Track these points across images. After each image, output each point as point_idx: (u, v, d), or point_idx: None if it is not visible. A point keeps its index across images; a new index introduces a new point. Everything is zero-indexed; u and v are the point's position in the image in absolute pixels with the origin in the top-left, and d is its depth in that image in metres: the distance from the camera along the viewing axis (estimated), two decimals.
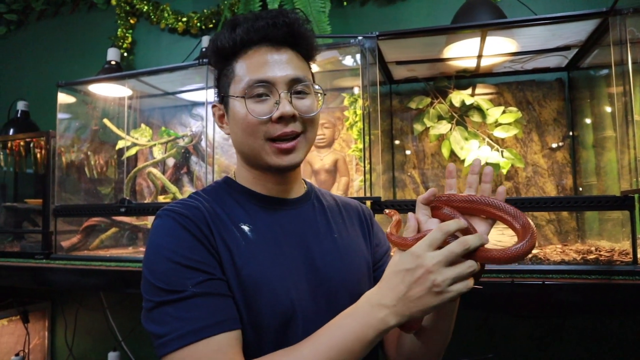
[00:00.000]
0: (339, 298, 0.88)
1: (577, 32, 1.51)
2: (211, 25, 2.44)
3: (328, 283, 0.88)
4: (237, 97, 0.86)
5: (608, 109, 1.59)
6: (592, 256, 1.38)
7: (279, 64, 0.85)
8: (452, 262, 0.69)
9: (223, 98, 0.91)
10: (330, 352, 0.71)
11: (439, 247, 0.70)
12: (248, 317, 0.80)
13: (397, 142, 2.00)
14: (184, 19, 2.47)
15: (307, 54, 0.92)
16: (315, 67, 0.99)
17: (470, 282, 0.69)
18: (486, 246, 0.72)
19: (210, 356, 0.71)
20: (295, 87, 0.86)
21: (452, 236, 0.72)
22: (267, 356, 0.74)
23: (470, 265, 0.69)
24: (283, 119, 0.84)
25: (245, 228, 0.86)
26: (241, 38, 0.86)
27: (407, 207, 1.52)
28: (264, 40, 0.86)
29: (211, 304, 0.75)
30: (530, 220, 0.74)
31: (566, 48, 1.64)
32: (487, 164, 1.71)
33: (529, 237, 0.71)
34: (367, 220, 1.06)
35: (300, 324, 0.82)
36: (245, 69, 0.86)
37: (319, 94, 0.92)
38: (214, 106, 0.95)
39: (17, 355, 2.18)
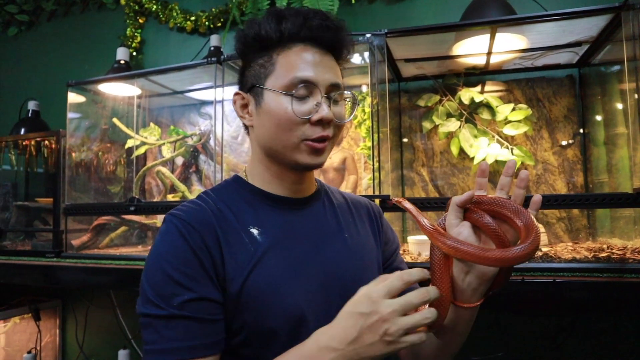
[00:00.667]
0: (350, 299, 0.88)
1: (589, 27, 1.49)
2: (219, 24, 2.44)
3: (339, 285, 0.88)
4: (280, 92, 0.83)
5: (620, 106, 1.58)
6: (604, 254, 1.37)
7: (322, 67, 0.85)
8: (408, 311, 0.67)
9: (252, 88, 0.89)
10: None
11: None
12: (258, 322, 0.79)
13: (405, 140, 2.00)
14: (193, 18, 2.48)
15: (341, 61, 0.93)
16: None
17: (423, 335, 0.67)
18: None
19: None
20: (334, 93, 0.87)
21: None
22: None
23: (426, 316, 0.66)
24: (321, 122, 0.84)
25: (254, 231, 0.85)
26: (290, 32, 0.84)
27: (417, 204, 1.51)
28: (311, 40, 0.85)
29: (189, 327, 0.76)
30: (534, 220, 0.71)
31: (577, 44, 1.63)
32: (496, 161, 1.70)
33: (532, 238, 0.67)
34: (376, 219, 1.06)
35: (311, 327, 0.81)
36: (289, 65, 0.84)
37: (349, 100, 0.94)
38: (236, 94, 0.92)
39: (29, 352, 2.20)
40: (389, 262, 1.03)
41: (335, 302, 0.86)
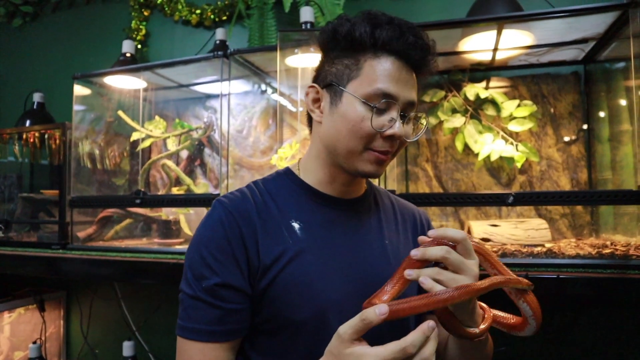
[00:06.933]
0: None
1: (596, 24, 1.49)
2: (225, 18, 2.43)
3: (372, 290, 0.87)
4: (362, 100, 0.83)
5: (625, 103, 1.58)
6: (607, 250, 1.38)
7: (405, 84, 0.85)
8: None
9: (330, 85, 0.88)
10: None
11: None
12: (286, 315, 0.81)
13: None
14: (198, 11, 2.47)
15: (421, 78, 0.92)
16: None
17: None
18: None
19: (196, 357, 0.80)
20: (409, 112, 0.87)
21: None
22: None
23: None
24: (392, 138, 0.84)
25: (296, 225, 0.87)
26: (383, 42, 0.83)
27: (421, 200, 1.52)
28: (402, 55, 0.85)
29: (210, 313, 0.80)
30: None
31: (584, 41, 1.63)
32: (501, 157, 1.71)
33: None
34: (423, 229, 1.05)
35: (335, 328, 0.82)
36: (376, 75, 0.83)
37: (420, 120, 0.94)
38: (311, 86, 0.92)
39: (34, 343, 2.22)
40: None
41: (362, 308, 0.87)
